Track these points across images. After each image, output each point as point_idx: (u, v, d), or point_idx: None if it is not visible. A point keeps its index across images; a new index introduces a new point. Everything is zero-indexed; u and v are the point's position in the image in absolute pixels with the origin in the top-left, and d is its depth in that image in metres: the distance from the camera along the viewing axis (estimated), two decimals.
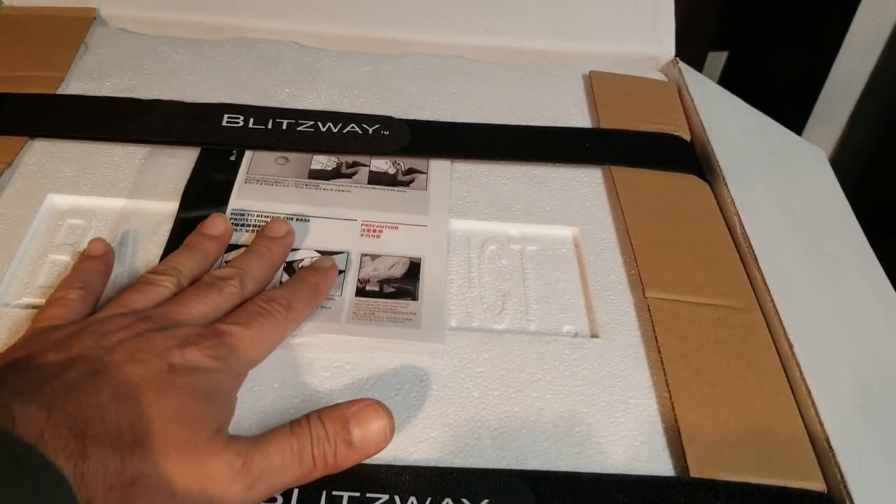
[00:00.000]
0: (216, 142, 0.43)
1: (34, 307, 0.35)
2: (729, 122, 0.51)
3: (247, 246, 0.38)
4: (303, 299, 0.35)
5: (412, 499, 0.30)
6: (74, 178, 0.41)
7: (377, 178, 0.43)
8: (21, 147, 0.42)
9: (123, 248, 0.38)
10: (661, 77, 0.54)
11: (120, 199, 0.40)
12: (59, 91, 0.45)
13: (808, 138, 0.71)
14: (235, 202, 0.40)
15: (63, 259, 0.37)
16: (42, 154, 0.42)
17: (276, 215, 0.40)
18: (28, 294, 0.36)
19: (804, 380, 0.36)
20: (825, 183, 0.52)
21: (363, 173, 0.43)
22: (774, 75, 0.92)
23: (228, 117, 0.45)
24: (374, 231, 0.40)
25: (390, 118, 0.46)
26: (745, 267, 0.41)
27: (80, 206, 0.40)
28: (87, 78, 0.47)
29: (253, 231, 0.39)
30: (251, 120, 0.45)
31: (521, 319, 0.38)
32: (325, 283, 0.36)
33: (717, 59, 1.00)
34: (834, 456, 0.33)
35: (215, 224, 0.37)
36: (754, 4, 0.88)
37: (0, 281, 0.36)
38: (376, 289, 0.37)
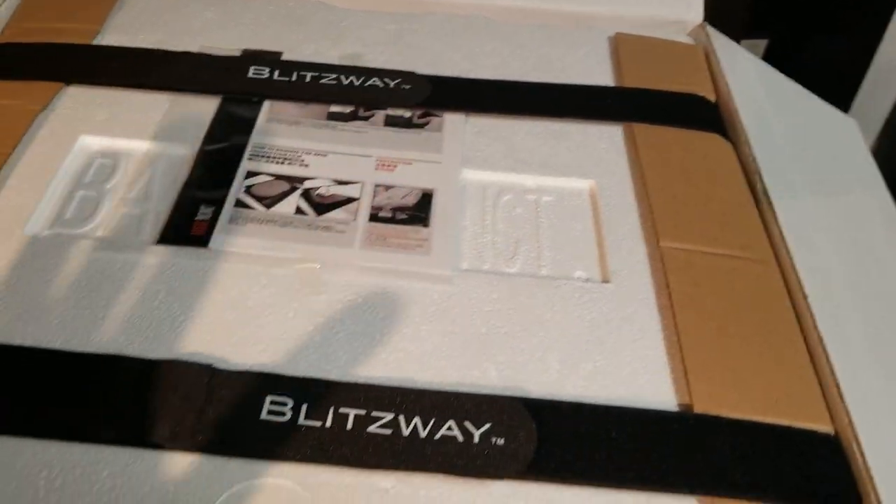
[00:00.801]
0: (241, 91, 0.44)
1: (62, 237, 0.37)
2: (756, 86, 0.51)
3: (268, 176, 0.39)
4: None
5: (416, 419, 0.31)
6: (105, 122, 0.42)
7: (393, 121, 0.44)
8: (56, 92, 0.43)
9: (149, 188, 0.39)
10: (688, 41, 0.54)
11: (146, 142, 0.42)
12: (95, 42, 0.47)
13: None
14: (256, 138, 0.42)
15: (91, 195, 0.39)
16: (76, 99, 0.44)
17: (295, 151, 0.41)
18: (57, 226, 0.37)
19: (817, 328, 0.35)
20: (854, 149, 0.51)
21: (379, 116, 0.44)
22: (815, 64, 0.90)
23: (254, 69, 0.46)
24: (389, 166, 0.41)
25: (412, 73, 0.47)
26: (763, 223, 0.41)
27: (109, 147, 0.41)
28: (121, 31, 0.49)
29: (273, 163, 0.40)
30: (276, 72, 0.46)
31: (532, 264, 0.38)
32: None
33: (757, 47, 0.99)
34: (843, 401, 0.33)
35: None
36: None
37: (32, 212, 0.37)
38: (389, 216, 0.38)
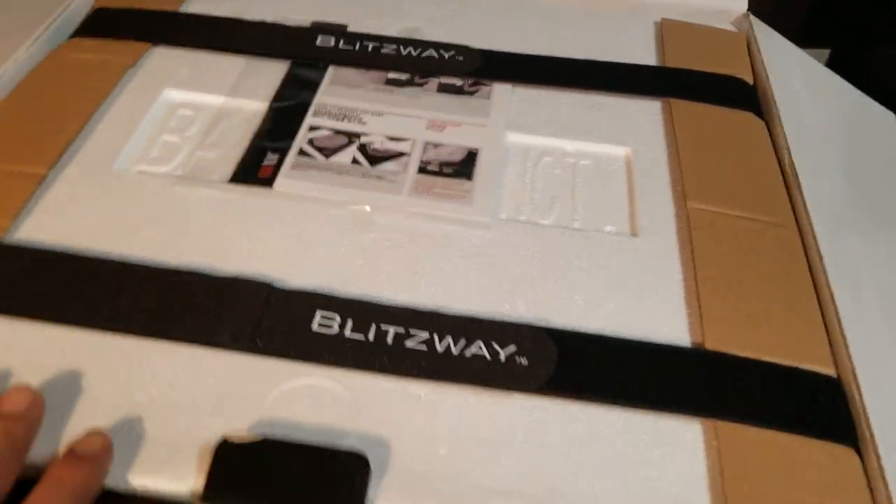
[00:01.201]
0: (308, 57, 0.49)
1: (146, 174, 0.41)
2: (794, 73, 0.53)
3: (328, 131, 0.43)
4: None
5: (448, 338, 0.34)
6: (187, 79, 0.47)
7: (445, 88, 0.48)
8: (145, 52, 0.48)
9: (223, 137, 0.44)
10: (731, 28, 0.56)
11: (223, 97, 0.46)
12: (181, 10, 0.52)
13: None
14: (320, 98, 0.46)
15: (173, 140, 0.44)
16: (162, 58, 0.48)
17: (354, 110, 0.45)
18: (142, 164, 0.42)
19: (829, 285, 0.38)
20: (888, 139, 0.53)
21: (433, 84, 0.48)
22: (879, 74, 0.89)
23: (321, 38, 0.50)
24: (439, 126, 0.45)
25: (465, 46, 0.51)
26: (788, 195, 0.43)
27: (190, 100, 0.46)
28: (204, 2, 0.53)
29: (334, 119, 0.45)
30: (341, 41, 0.50)
31: (566, 218, 0.41)
32: (93, 484, 0.28)
33: (820, 56, 0.99)
34: (847, 349, 0.35)
35: (17, 398, 0.29)
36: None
37: (120, 151, 0.42)
38: (436, 169, 0.42)
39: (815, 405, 0.33)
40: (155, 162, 0.42)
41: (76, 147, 0.42)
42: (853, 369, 0.34)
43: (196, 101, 0.46)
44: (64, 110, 0.43)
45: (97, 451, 0.29)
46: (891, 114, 0.56)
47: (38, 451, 0.29)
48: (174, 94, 0.46)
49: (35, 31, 0.49)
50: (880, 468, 0.31)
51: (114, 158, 0.42)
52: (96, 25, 0.50)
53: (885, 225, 0.44)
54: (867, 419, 0.33)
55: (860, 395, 0.34)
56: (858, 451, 0.32)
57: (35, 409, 0.29)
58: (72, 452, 0.29)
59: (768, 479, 0.31)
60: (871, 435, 0.32)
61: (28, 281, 0.35)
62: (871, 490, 0.31)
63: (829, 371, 0.35)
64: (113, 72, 0.46)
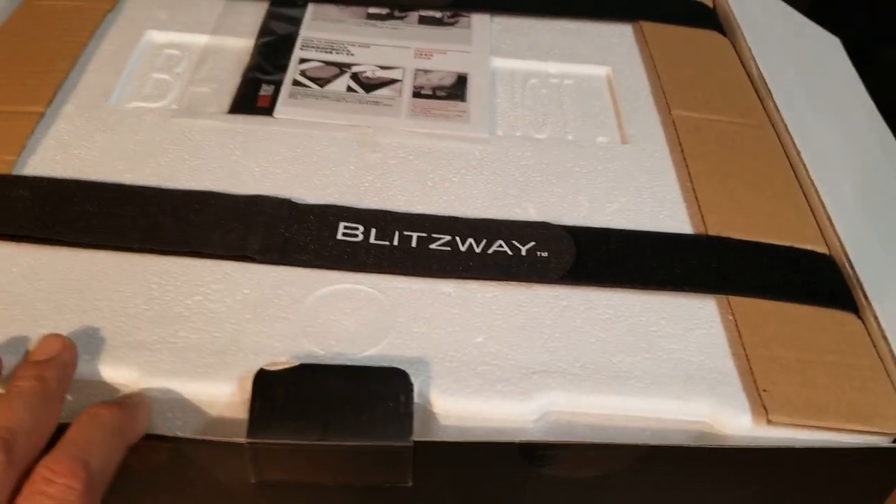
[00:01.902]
0: None
1: (143, 108, 0.41)
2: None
3: (318, 62, 0.43)
4: (102, 454, 0.26)
5: (470, 239, 0.35)
6: (168, 20, 0.47)
7: (425, 20, 0.49)
8: None
9: (213, 72, 0.44)
10: None
11: (206, 36, 0.46)
12: None
13: None
14: (304, 33, 0.46)
15: (164, 78, 0.43)
16: (139, 2, 0.48)
17: (341, 43, 0.46)
18: (136, 100, 0.42)
19: (809, 174, 0.41)
20: (837, 59, 0.56)
21: (413, 16, 0.49)
22: (880, 67, 0.88)
23: None
24: (426, 54, 0.46)
25: None
26: (759, 99, 0.46)
27: (174, 40, 0.46)
28: None
29: (322, 52, 0.45)
30: None
31: (559, 131, 0.43)
32: (130, 425, 0.28)
33: None
34: (834, 227, 0.38)
35: (49, 346, 0.29)
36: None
37: (112, 90, 0.42)
38: (430, 93, 0.43)
39: (815, 279, 0.36)
40: (148, 98, 0.42)
41: (69, 87, 0.41)
42: (842, 246, 0.37)
43: (180, 41, 0.46)
44: (49, 54, 0.43)
45: (135, 402, 0.29)
46: (834, 37, 0.60)
47: (83, 374, 0.29)
48: (157, 35, 0.46)
49: None
50: (880, 328, 0.34)
51: (107, 96, 0.41)
52: None
53: (844, 120, 0.48)
54: (862, 288, 0.36)
55: (852, 268, 0.36)
56: (859, 316, 0.35)
57: (67, 352, 0.29)
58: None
59: (784, 342, 0.33)
60: (868, 300, 0.35)
61: (48, 208, 0.34)
62: (875, 347, 0.34)
63: (822, 249, 0.37)
64: (91, 17, 0.46)
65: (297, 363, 0.30)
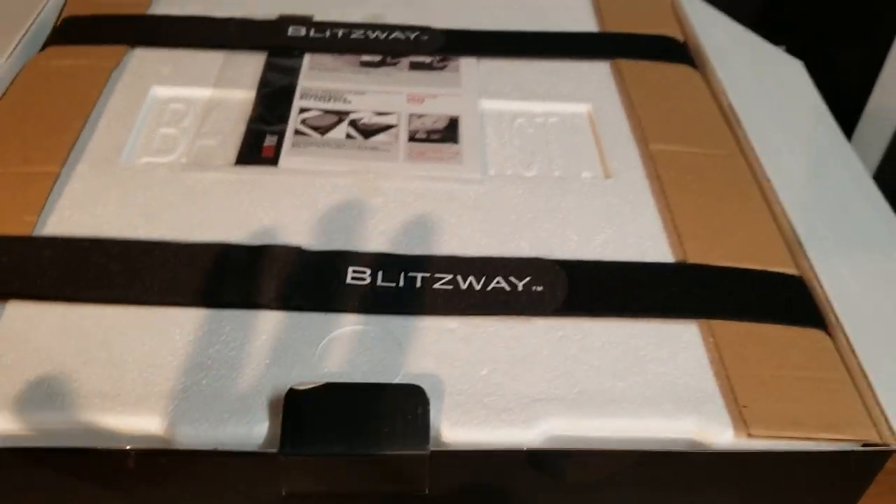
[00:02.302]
0: (284, 46, 0.52)
1: (153, 164, 0.43)
2: (716, 29, 0.59)
3: (318, 111, 0.46)
4: None
5: (471, 277, 0.38)
6: (171, 76, 0.49)
7: (416, 66, 0.52)
8: (124, 54, 0.50)
9: (218, 124, 0.46)
10: None
11: (209, 89, 0.49)
12: (149, 12, 0.54)
13: (862, 131, 0.76)
14: (303, 82, 0.49)
15: (171, 132, 0.46)
16: (142, 59, 0.50)
17: (337, 91, 0.49)
18: (147, 156, 0.44)
19: (779, 200, 0.44)
20: (799, 78, 0.60)
21: (404, 63, 0.52)
22: (831, 71, 0.89)
23: (292, 28, 0.53)
24: (418, 99, 0.48)
25: (428, 27, 0.54)
26: (730, 129, 0.49)
27: (178, 95, 0.48)
28: (169, 4, 0.56)
29: (321, 101, 0.48)
30: (311, 30, 0.53)
31: (546, 169, 0.46)
32: None
33: None
34: (804, 250, 0.41)
35: None
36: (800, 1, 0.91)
37: (123, 146, 0.44)
38: (424, 137, 0.46)
39: (787, 300, 0.39)
40: (158, 153, 0.45)
41: (81, 146, 0.44)
42: (811, 267, 0.40)
43: (184, 95, 0.48)
44: (60, 113, 0.45)
45: None
46: (798, 61, 0.63)
47: (117, 425, 0.32)
48: (162, 91, 0.48)
49: (9, 43, 0.50)
50: (849, 344, 0.37)
51: (119, 153, 0.44)
52: (69, 33, 0.52)
53: (810, 144, 0.51)
54: (831, 307, 0.39)
55: (822, 288, 0.39)
56: (828, 333, 0.38)
57: None
58: None
59: (761, 361, 0.36)
60: (837, 318, 0.38)
61: (72, 268, 0.37)
62: (843, 361, 0.37)
63: (792, 271, 0.40)
64: (98, 75, 0.48)
65: (322, 383, 0.33)
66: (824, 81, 0.62)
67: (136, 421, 0.32)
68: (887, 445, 0.33)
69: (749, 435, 0.33)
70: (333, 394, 0.32)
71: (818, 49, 0.91)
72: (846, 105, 0.62)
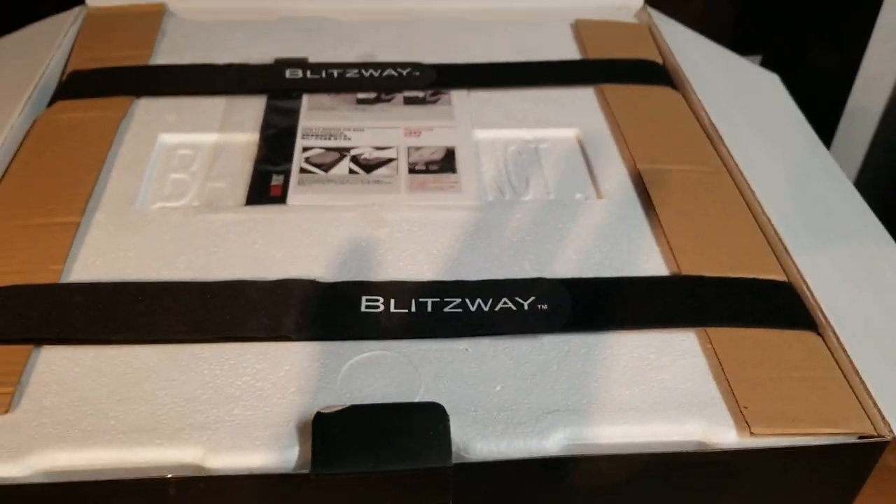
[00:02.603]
0: (283, 88, 0.54)
1: (167, 208, 0.45)
2: (693, 51, 0.62)
3: (320, 149, 0.48)
4: None
5: (479, 300, 0.40)
6: (176, 123, 0.51)
7: (410, 101, 0.54)
8: (130, 104, 0.52)
9: (226, 167, 0.49)
10: (634, 21, 0.65)
11: (214, 134, 0.51)
12: (150, 63, 0.56)
13: (841, 136, 0.79)
14: (303, 122, 0.51)
15: (181, 177, 0.48)
16: (147, 108, 0.53)
17: (337, 129, 0.51)
18: (159, 201, 0.46)
19: (765, 212, 0.46)
20: (777, 93, 0.63)
21: (399, 99, 0.54)
22: (808, 79, 0.89)
23: (289, 71, 0.55)
24: (415, 132, 0.51)
25: (419, 63, 0.57)
26: (713, 146, 0.52)
27: (185, 141, 0.51)
28: (169, 54, 0.58)
29: (322, 139, 0.50)
30: (308, 72, 0.56)
31: (542, 192, 0.48)
32: None
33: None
34: (791, 257, 0.43)
35: None
36: (775, 9, 0.94)
37: (137, 193, 0.46)
38: (424, 168, 0.48)
39: (778, 305, 0.41)
40: (171, 198, 0.46)
41: (97, 195, 0.46)
42: (799, 273, 0.43)
43: (191, 141, 0.51)
44: (75, 165, 0.47)
45: None
46: (775, 75, 0.66)
47: (157, 458, 0.33)
48: (169, 138, 0.51)
49: (19, 99, 0.52)
50: (839, 343, 0.39)
51: (133, 200, 0.46)
52: (75, 87, 0.54)
53: (791, 155, 0.54)
54: (820, 309, 0.41)
55: (810, 292, 0.42)
56: (819, 334, 0.40)
57: None
58: None
59: (757, 363, 0.38)
60: (826, 320, 0.40)
61: (98, 312, 0.38)
62: (835, 360, 0.39)
63: (781, 277, 0.43)
64: (107, 125, 0.50)
65: (348, 405, 0.35)
66: (801, 89, 0.65)
67: (174, 452, 0.33)
68: (882, 437, 0.36)
69: (752, 434, 0.35)
70: (359, 415, 0.34)
71: (793, 57, 0.95)
72: (823, 111, 0.64)
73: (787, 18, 0.95)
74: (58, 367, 0.36)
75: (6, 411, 0.34)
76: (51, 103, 0.53)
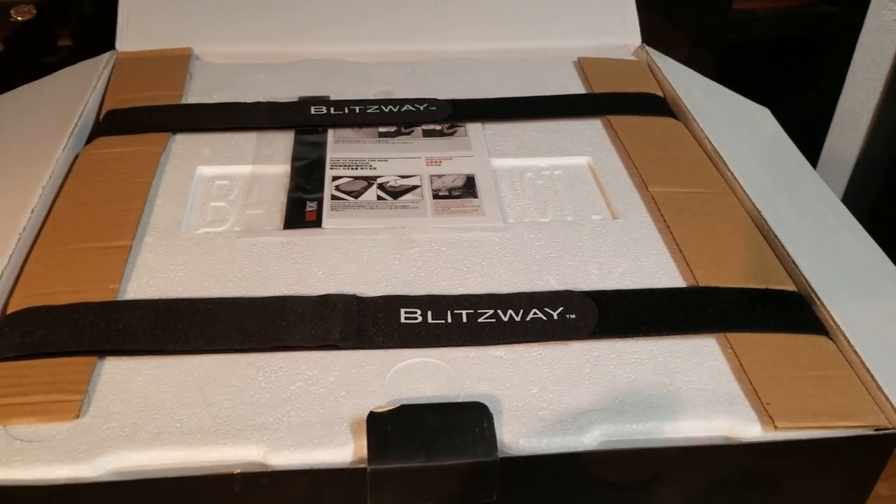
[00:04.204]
0: (309, 124, 0.57)
1: (211, 233, 0.48)
2: (690, 85, 0.66)
3: (348, 178, 0.51)
4: None
5: (510, 311, 0.43)
6: (213, 156, 0.54)
7: (429, 133, 0.57)
8: (167, 139, 0.55)
9: (262, 196, 0.51)
10: (633, 58, 0.69)
11: (249, 166, 0.54)
12: (182, 102, 0.59)
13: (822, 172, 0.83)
14: (331, 154, 0.54)
15: (221, 206, 0.51)
16: (184, 143, 0.55)
17: (363, 160, 0.54)
18: (203, 227, 0.49)
19: (771, 229, 0.49)
20: (769, 125, 0.67)
21: (418, 132, 0.58)
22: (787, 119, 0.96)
23: (314, 108, 0.59)
24: (435, 162, 0.54)
25: (436, 98, 0.60)
26: (718, 170, 0.55)
27: (222, 172, 0.53)
28: (199, 94, 0.61)
29: (349, 169, 0.53)
30: (331, 109, 0.59)
31: (559, 214, 0.51)
32: None
33: None
34: (798, 269, 0.46)
35: None
36: (753, 55, 0.98)
37: (182, 219, 0.49)
38: (447, 194, 0.51)
39: (790, 312, 0.44)
40: (213, 224, 0.49)
41: (145, 221, 0.48)
42: (807, 283, 0.46)
43: (227, 173, 0.53)
44: (122, 194, 0.49)
45: None
46: (765, 108, 0.70)
47: (222, 456, 0.35)
48: (206, 170, 0.53)
49: (62, 136, 0.54)
50: (850, 346, 0.42)
51: (179, 226, 0.48)
52: (114, 125, 0.56)
53: (787, 177, 0.57)
54: (830, 315, 0.44)
55: (819, 299, 0.45)
56: (830, 338, 0.43)
57: None
58: None
59: (776, 365, 0.41)
60: (837, 325, 0.43)
61: (155, 325, 0.41)
62: (847, 361, 0.42)
63: (791, 287, 0.46)
64: (149, 159, 0.53)
65: (398, 405, 0.37)
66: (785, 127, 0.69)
67: (237, 451, 0.36)
68: None
69: (776, 427, 0.38)
70: (409, 414, 0.37)
71: (770, 101, 1.00)
72: (804, 146, 0.68)
73: (765, 63, 1.00)
74: (121, 376, 0.39)
75: (77, 416, 0.36)
76: (90, 139, 0.56)
